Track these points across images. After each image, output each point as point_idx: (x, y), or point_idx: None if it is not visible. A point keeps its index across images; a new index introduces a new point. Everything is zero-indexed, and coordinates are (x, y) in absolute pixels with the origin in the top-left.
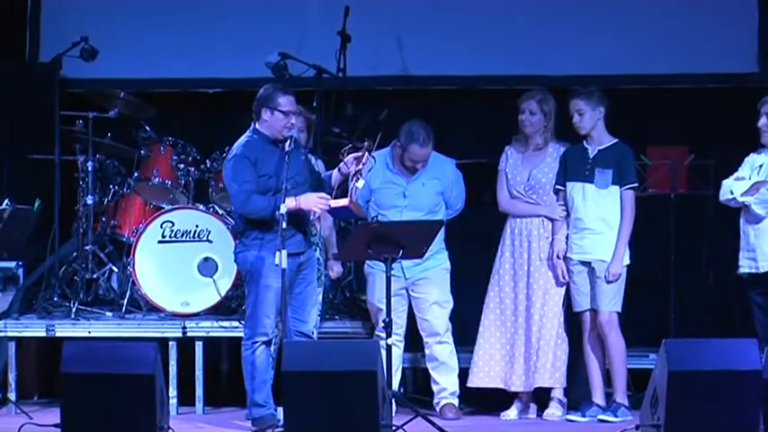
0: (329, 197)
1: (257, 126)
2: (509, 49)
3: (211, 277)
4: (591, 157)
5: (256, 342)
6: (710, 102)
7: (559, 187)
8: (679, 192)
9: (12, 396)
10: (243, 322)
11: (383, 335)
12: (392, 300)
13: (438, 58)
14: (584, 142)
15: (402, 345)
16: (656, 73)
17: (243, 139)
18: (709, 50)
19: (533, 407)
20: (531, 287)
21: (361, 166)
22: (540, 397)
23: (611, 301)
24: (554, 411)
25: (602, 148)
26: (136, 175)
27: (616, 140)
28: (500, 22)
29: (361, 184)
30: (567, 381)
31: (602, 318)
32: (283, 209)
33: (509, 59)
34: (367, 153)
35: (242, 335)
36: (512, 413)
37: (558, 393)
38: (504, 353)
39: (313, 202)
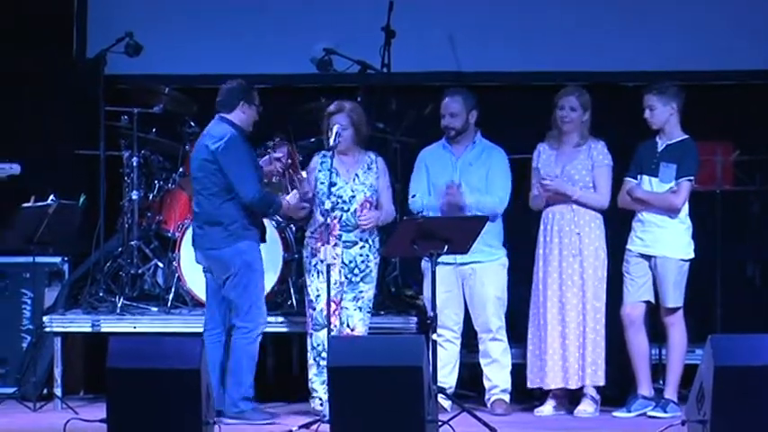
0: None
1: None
2: (556, 45)
3: None
4: (659, 151)
5: (260, 334)
6: (756, 97)
7: (629, 179)
8: (724, 188)
9: (58, 391)
10: (254, 317)
11: (439, 330)
12: (447, 296)
13: (483, 54)
14: (657, 137)
15: (459, 341)
16: (701, 69)
17: None
18: (754, 47)
19: (566, 403)
20: (564, 283)
21: (288, 161)
22: (575, 392)
23: (675, 295)
24: (586, 408)
25: (670, 143)
26: (181, 170)
27: (686, 137)
28: (547, 18)
29: (304, 174)
30: (607, 376)
31: (666, 313)
32: (293, 199)
33: (557, 55)
34: (285, 152)
35: (284, 330)
36: (546, 409)
37: (590, 390)
38: (552, 352)
39: (297, 212)
